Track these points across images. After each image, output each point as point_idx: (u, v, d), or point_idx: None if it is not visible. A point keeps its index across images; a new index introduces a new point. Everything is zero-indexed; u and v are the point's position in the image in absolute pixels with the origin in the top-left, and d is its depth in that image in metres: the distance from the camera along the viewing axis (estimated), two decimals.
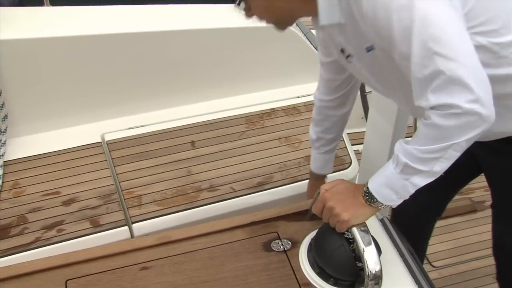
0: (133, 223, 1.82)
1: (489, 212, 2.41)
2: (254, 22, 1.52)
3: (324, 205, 1.23)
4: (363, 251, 1.17)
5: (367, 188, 1.18)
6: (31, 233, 1.74)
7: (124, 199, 1.90)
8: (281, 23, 1.28)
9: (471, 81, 0.99)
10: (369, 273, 1.15)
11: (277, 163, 2.07)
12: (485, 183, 1.64)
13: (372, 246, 1.18)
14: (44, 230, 1.75)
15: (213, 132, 2.18)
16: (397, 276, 1.29)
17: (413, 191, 1.14)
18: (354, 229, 1.19)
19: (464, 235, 2.35)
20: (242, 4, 1.22)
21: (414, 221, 1.94)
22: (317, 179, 1.76)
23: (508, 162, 1.42)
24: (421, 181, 1.12)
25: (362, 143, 2.33)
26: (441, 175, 1.13)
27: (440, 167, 1.09)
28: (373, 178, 1.19)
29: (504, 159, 1.42)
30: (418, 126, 1.13)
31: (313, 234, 1.36)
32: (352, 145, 2.56)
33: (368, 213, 1.19)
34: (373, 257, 1.17)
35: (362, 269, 1.22)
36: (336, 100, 1.59)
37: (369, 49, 1.18)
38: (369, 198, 1.17)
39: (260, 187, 1.99)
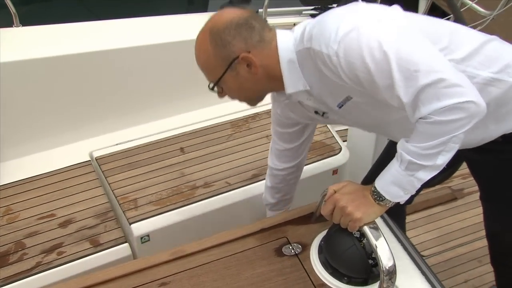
0: (131, 224, 1.84)
1: (468, 199, 2.54)
2: None
3: (334, 206, 1.27)
4: (376, 247, 1.22)
5: (375, 187, 1.23)
6: (30, 258, 1.73)
7: (120, 204, 1.91)
8: (252, 100, 1.41)
9: (455, 80, 1.08)
10: (384, 269, 1.20)
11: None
12: (463, 172, 1.71)
13: (384, 241, 1.23)
14: (44, 254, 1.74)
15: (201, 138, 2.23)
16: (405, 269, 1.35)
17: (419, 186, 1.21)
18: (365, 227, 1.24)
19: (447, 223, 2.45)
20: (215, 88, 1.35)
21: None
22: None
23: (497, 158, 1.48)
24: (426, 175, 1.18)
25: (345, 141, 2.40)
26: None
27: (442, 160, 1.16)
28: (379, 177, 1.25)
29: (493, 156, 1.47)
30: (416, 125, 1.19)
31: (320, 236, 1.40)
32: None
33: (378, 211, 1.25)
34: (386, 253, 1.22)
35: (374, 265, 1.28)
36: (295, 164, 1.69)
37: (341, 105, 1.31)
38: (378, 196, 1.23)
39: (255, 178, 2.05)
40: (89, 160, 2.08)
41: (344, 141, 2.34)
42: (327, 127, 2.31)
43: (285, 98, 1.38)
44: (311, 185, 1.90)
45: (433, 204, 2.52)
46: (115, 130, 2.22)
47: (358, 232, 1.29)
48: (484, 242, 2.21)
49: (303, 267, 1.34)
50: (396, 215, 2.06)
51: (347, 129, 2.45)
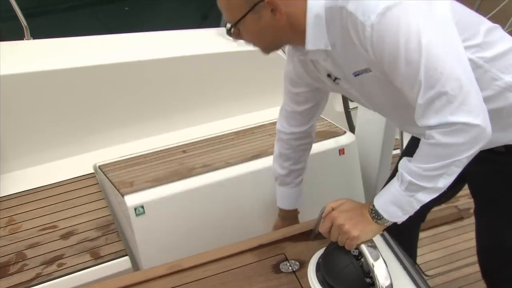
0: (123, 195, 1.81)
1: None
2: (239, 47, 1.55)
3: (332, 223, 1.26)
4: (373, 266, 1.21)
5: (373, 206, 1.22)
6: (31, 269, 1.73)
7: (115, 186, 1.90)
8: (268, 49, 1.33)
9: (472, 99, 1.06)
10: (381, 287, 1.19)
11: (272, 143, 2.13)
12: (469, 191, 1.69)
13: (381, 261, 1.22)
14: (44, 266, 1.74)
15: (205, 147, 2.20)
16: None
17: (418, 207, 1.19)
18: (363, 245, 1.23)
19: (453, 243, 2.41)
20: (232, 29, 1.26)
21: (398, 230, 1.99)
22: (287, 219, 1.75)
23: (491, 169, 1.46)
24: (426, 197, 1.17)
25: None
26: None
27: (443, 183, 1.14)
28: (378, 196, 1.24)
29: (486, 166, 1.44)
30: (420, 144, 1.18)
31: (319, 253, 1.39)
32: None
33: (375, 229, 1.24)
34: (383, 272, 1.20)
35: (371, 284, 1.26)
36: (305, 130, 1.62)
37: (357, 73, 1.24)
38: (376, 215, 1.22)
39: (255, 157, 2.03)
40: (93, 173, 2.09)
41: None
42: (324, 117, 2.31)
43: (301, 54, 1.31)
44: (318, 165, 1.88)
45: (439, 223, 2.49)
46: (120, 142, 2.24)
47: (357, 250, 1.28)
48: None
49: (300, 284, 1.33)
50: (409, 234, 2.05)
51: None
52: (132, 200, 1.80)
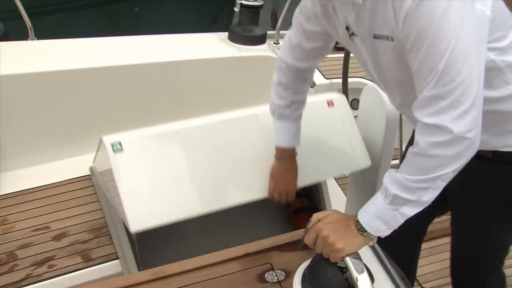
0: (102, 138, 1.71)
1: None
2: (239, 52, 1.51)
3: (317, 235, 1.25)
4: (357, 280, 1.19)
5: (358, 219, 1.21)
6: (21, 270, 1.73)
7: None
8: None
9: (475, 111, 1.05)
10: None
11: None
12: None
13: (365, 274, 1.20)
14: (35, 267, 1.74)
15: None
16: None
17: (402, 221, 1.17)
18: (347, 258, 1.21)
19: None
20: None
21: (399, 242, 1.96)
22: (284, 159, 1.66)
23: (475, 177, 1.38)
24: (410, 211, 1.15)
25: None
26: None
27: (428, 197, 1.13)
28: (362, 210, 1.22)
29: (470, 174, 1.35)
30: (407, 153, 1.16)
31: (306, 264, 1.37)
32: None
33: (361, 242, 1.22)
34: (366, 286, 1.19)
35: None
36: (307, 66, 1.53)
37: (377, 36, 1.18)
38: (361, 227, 1.20)
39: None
40: (89, 174, 2.09)
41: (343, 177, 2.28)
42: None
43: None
44: (306, 116, 1.74)
45: (437, 236, 2.45)
46: None
47: (343, 262, 1.26)
48: None
49: None
50: (409, 247, 2.02)
51: None
52: (110, 139, 1.69)
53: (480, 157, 1.19)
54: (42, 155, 2.13)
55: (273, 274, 1.36)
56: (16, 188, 2.00)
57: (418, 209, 1.14)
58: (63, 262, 1.76)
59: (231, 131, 1.84)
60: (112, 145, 1.68)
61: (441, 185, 1.11)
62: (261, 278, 1.35)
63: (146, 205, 1.63)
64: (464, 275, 1.70)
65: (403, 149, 2.26)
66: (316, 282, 1.29)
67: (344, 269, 1.26)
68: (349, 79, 2.48)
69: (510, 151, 1.35)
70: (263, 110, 1.72)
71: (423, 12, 1.02)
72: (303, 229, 1.43)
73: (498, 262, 1.69)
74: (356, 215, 1.22)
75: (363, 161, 1.98)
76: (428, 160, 1.09)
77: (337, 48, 3.33)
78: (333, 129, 2.00)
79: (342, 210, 2.33)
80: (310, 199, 2.60)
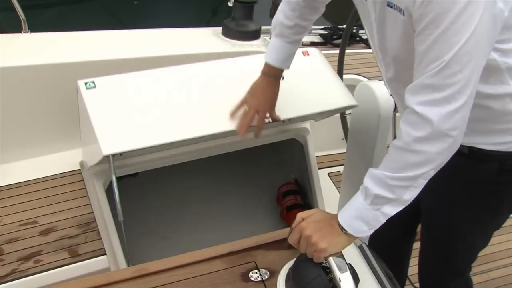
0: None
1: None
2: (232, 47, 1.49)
3: (300, 235, 1.23)
4: (339, 280, 1.17)
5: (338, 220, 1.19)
6: (7, 265, 1.72)
7: None
8: None
9: (465, 111, 1.05)
10: None
11: None
12: None
13: (348, 274, 1.18)
14: (21, 262, 1.73)
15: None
16: None
17: (384, 221, 1.16)
18: (330, 258, 1.20)
19: None
20: None
21: (390, 243, 1.94)
22: (268, 75, 1.60)
23: (449, 175, 1.30)
24: (392, 210, 1.14)
25: (342, 164, 2.35)
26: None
27: (410, 195, 1.12)
28: (342, 211, 1.20)
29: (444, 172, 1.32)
30: (390, 147, 1.15)
31: (291, 263, 1.35)
32: (332, 166, 2.56)
33: (345, 241, 1.20)
34: (349, 286, 1.17)
35: None
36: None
37: (391, 5, 1.14)
38: (343, 227, 1.19)
39: None
40: (79, 169, 2.07)
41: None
42: None
43: None
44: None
45: None
46: None
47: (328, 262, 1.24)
48: (483, 277, 2.11)
49: None
50: (401, 248, 2.00)
51: None
52: (84, 81, 1.76)
53: (457, 153, 1.16)
54: (31, 149, 2.11)
55: (257, 273, 1.34)
56: (4, 182, 1.99)
57: (399, 208, 1.13)
58: (49, 258, 1.75)
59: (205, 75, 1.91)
60: (86, 83, 1.74)
61: (422, 183, 1.10)
62: (245, 277, 1.33)
63: (119, 132, 1.66)
64: (431, 278, 1.67)
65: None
66: (299, 282, 1.27)
67: (328, 269, 1.25)
68: (344, 76, 2.45)
69: (487, 149, 1.32)
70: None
71: None
72: (289, 228, 1.41)
73: (466, 266, 1.67)
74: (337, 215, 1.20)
75: (348, 101, 1.95)
76: (411, 155, 1.08)
77: (333, 45, 3.33)
78: (313, 74, 2.00)
79: (336, 206, 2.30)
80: (303, 196, 2.58)
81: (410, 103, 1.07)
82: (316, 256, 1.20)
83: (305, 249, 1.23)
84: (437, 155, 1.07)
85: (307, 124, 2.38)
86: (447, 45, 1.00)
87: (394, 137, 2.45)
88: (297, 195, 2.59)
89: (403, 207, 1.13)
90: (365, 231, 1.17)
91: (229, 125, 1.72)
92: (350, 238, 1.20)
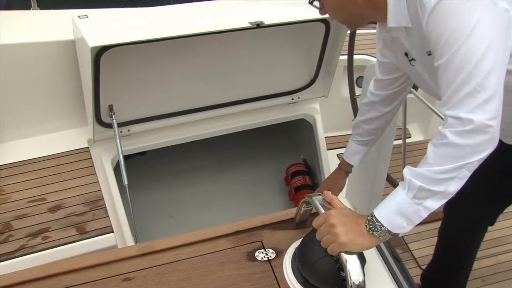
0: None
1: None
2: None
3: (325, 220, 1.20)
4: (346, 261, 1.16)
5: (373, 216, 1.16)
6: (16, 240, 1.73)
7: None
8: (350, 24, 1.39)
9: (495, 102, 1.03)
10: (352, 284, 1.14)
11: None
12: None
13: (355, 256, 1.17)
14: (29, 238, 1.74)
15: None
16: (381, 285, 1.29)
17: (425, 216, 1.13)
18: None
19: None
20: (316, 2, 1.32)
21: (464, 235, 1.94)
22: (341, 170, 1.85)
23: None
24: (434, 204, 1.11)
25: None
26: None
27: (454, 187, 1.08)
28: (380, 206, 1.16)
29: None
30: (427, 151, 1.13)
31: (297, 243, 1.35)
32: (342, 147, 2.51)
33: (365, 244, 1.16)
34: (356, 268, 1.15)
35: (345, 279, 1.21)
36: (383, 96, 1.65)
37: (430, 53, 1.19)
38: (373, 227, 1.15)
39: None
40: (87, 147, 2.08)
41: None
42: None
43: (385, 31, 1.29)
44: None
45: (441, 217, 2.41)
46: None
47: None
48: (492, 260, 2.09)
49: (274, 274, 1.29)
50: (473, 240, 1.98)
51: None
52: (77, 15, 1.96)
53: None
54: (40, 126, 2.12)
55: (263, 252, 1.34)
56: (14, 159, 2.00)
57: (442, 202, 1.10)
58: (57, 234, 1.76)
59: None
60: (79, 16, 1.95)
61: (466, 174, 1.07)
62: (251, 257, 1.33)
63: (106, 32, 1.84)
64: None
65: (408, 129, 2.22)
66: (305, 261, 1.26)
67: None
68: (355, 56, 2.42)
69: None
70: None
71: (440, 14, 1.05)
72: (295, 208, 1.40)
73: None
74: (367, 214, 1.17)
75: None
76: (454, 149, 1.06)
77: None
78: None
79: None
80: (312, 177, 2.57)
81: (447, 113, 1.08)
82: (332, 248, 1.15)
83: (324, 236, 1.18)
84: (480, 147, 1.04)
85: (316, 105, 2.36)
86: (466, 57, 1.03)
87: (404, 119, 2.44)
88: (306, 176, 2.58)
89: (446, 200, 1.10)
90: (404, 227, 1.13)
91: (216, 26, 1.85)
92: (372, 241, 1.16)
